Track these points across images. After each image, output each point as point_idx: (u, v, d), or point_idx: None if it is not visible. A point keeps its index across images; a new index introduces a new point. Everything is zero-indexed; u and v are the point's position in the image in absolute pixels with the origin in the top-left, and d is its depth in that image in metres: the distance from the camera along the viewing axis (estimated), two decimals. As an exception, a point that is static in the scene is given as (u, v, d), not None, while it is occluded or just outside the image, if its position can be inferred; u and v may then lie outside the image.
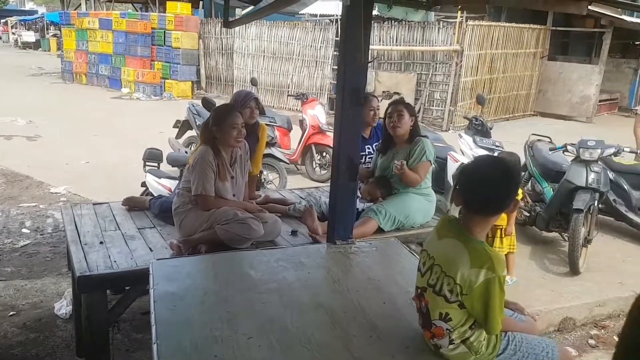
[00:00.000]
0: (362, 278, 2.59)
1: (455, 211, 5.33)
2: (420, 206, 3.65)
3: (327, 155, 7.63)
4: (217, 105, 5.88)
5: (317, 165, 7.71)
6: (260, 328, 2.09)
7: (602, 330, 4.14)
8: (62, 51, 17.96)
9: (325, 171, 7.64)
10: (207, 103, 5.79)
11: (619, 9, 11.64)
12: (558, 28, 13.66)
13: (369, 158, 4.25)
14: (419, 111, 11.34)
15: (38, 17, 34.19)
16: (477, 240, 1.83)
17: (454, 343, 1.87)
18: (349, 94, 2.72)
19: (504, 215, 4.03)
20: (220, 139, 3.29)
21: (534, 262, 4.95)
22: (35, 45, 31.83)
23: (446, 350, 1.89)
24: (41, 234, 5.28)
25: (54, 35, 30.33)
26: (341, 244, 2.96)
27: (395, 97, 10.57)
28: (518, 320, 2.09)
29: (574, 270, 4.63)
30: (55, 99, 13.69)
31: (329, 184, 5.99)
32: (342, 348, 1.99)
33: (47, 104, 12.59)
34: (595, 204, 4.77)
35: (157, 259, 2.69)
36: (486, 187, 1.84)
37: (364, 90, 2.79)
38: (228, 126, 3.27)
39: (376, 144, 4.16)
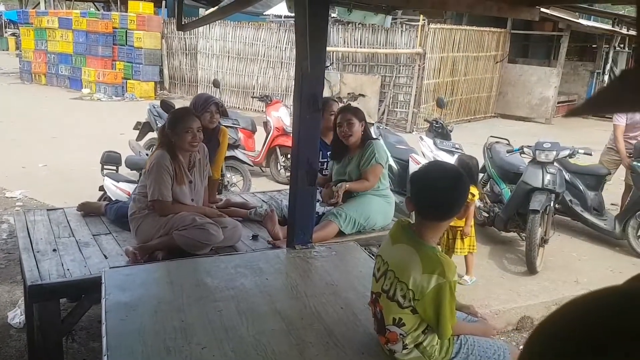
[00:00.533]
0: (320, 283, 2.59)
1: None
2: (380, 208, 3.68)
3: (291, 157, 7.63)
4: (175, 107, 5.84)
5: (282, 167, 7.68)
6: (215, 337, 2.07)
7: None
8: (21, 51, 17.42)
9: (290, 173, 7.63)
10: (165, 105, 5.71)
11: (576, 13, 11.96)
12: (518, 31, 13.96)
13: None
14: (383, 113, 11.44)
15: (-5, 15, 33.05)
16: (429, 246, 1.85)
17: (407, 348, 1.88)
18: (306, 99, 2.72)
19: (463, 217, 4.10)
20: (176, 143, 3.24)
21: (493, 261, 5.04)
22: (-8, 44, 30.76)
23: (400, 355, 1.90)
24: (-6, 241, 5.11)
25: (13, 34, 29.37)
26: (301, 248, 2.95)
27: (360, 99, 10.67)
28: (471, 322, 2.12)
29: (531, 270, 4.74)
30: (13, 99, 13.27)
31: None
32: (298, 356, 1.98)
33: (4, 105, 12.18)
34: (552, 204, 4.89)
35: (110, 267, 2.64)
36: (435, 193, 1.86)
37: (321, 96, 2.79)
38: (182, 130, 3.22)
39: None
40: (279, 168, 7.71)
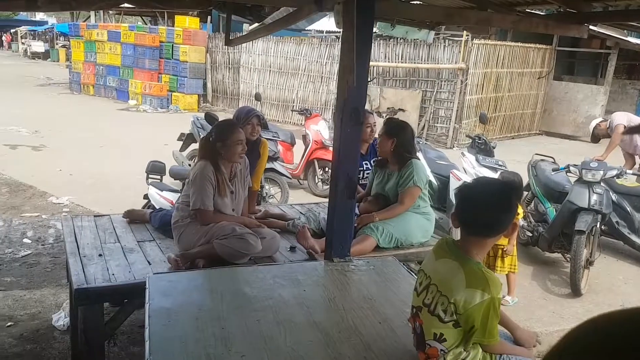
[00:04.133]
0: (358, 297, 2.58)
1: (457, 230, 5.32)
2: (419, 224, 3.64)
3: (330, 170, 7.64)
4: (219, 120, 5.95)
5: (320, 180, 7.72)
6: (254, 346, 2.08)
7: (603, 354, 4.09)
8: (71, 62, 18.13)
9: (328, 186, 7.64)
10: (209, 118, 5.83)
11: (625, 31, 11.65)
12: (564, 48, 13.69)
13: (366, 174, 4.27)
14: (423, 128, 11.36)
15: (48, 28, 34.52)
16: (474, 261, 1.83)
17: (448, 365, 1.85)
18: (349, 112, 2.73)
19: (510, 234, 4.02)
20: (224, 155, 3.31)
21: (536, 282, 4.91)
22: (45, 56, 32.12)
23: (440, 373, 1.87)
24: (42, 245, 5.30)
25: (63, 46, 30.61)
26: (338, 261, 2.95)
27: (400, 113, 10.64)
28: (511, 343, 2.07)
29: (575, 292, 4.59)
30: (62, 109, 13.79)
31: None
32: (335, 368, 1.98)
33: (53, 115, 12.69)
34: (598, 225, 4.75)
35: (154, 274, 2.69)
36: (483, 210, 1.84)
37: (364, 110, 2.80)
38: (233, 142, 3.30)
39: (374, 159, 4.17)
40: (316, 181, 7.74)
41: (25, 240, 5.35)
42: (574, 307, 4.50)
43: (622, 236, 5.34)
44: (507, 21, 3.28)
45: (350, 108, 2.71)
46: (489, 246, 1.92)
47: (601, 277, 5.03)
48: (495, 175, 5.21)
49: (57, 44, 32.35)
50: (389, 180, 3.66)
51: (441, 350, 1.86)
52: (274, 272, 2.77)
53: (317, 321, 2.30)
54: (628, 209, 5.33)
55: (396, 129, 3.73)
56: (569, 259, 5.14)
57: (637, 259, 5.50)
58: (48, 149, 9.38)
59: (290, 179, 7.34)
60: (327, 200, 6.17)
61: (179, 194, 4.97)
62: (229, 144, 3.29)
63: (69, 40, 24.84)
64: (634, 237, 5.28)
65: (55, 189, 7.00)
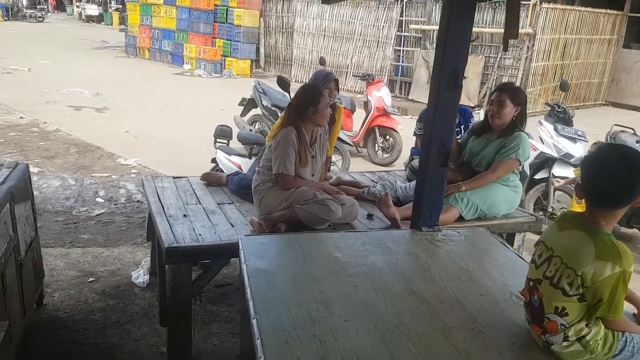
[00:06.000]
0: (453, 268, 2.50)
1: (530, 203, 5.14)
2: (506, 197, 3.50)
3: (391, 138, 7.52)
4: (290, 84, 5.90)
5: (380, 148, 7.61)
6: (356, 312, 2.05)
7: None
8: (126, 25, 18.37)
9: (388, 155, 7.54)
10: (282, 82, 5.77)
11: None
12: (637, 14, 12.89)
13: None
14: (484, 96, 11.00)
15: (101, -9, 35.04)
16: (605, 233, 1.73)
17: (568, 340, 1.77)
18: (447, 75, 2.61)
19: None
20: (315, 119, 3.28)
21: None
22: (98, 19, 32.67)
23: (558, 348, 1.79)
24: (115, 204, 5.44)
25: (117, 10, 31.04)
26: (427, 230, 2.88)
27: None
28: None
29: (659, 270, 4.39)
30: (120, 72, 14.04)
31: (397, 168, 5.93)
32: (443, 339, 1.92)
33: (112, 77, 12.93)
34: (686, 201, 4.48)
35: (245, 235, 2.69)
36: (614, 178, 1.72)
37: (463, 72, 2.67)
38: (323, 106, 3.27)
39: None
40: (376, 149, 7.64)
41: (98, 199, 5.51)
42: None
43: None
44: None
45: (448, 70, 2.59)
46: (618, 217, 1.81)
47: (685, 256, 4.79)
48: (575, 146, 4.99)
49: (110, 7, 32.82)
50: (487, 146, 3.50)
51: (561, 324, 1.77)
52: (362, 239, 2.72)
53: (415, 290, 2.25)
54: None
55: (520, 96, 3.45)
56: (648, 236, 4.92)
57: None
58: (111, 111, 9.58)
59: (352, 146, 7.27)
60: (394, 168, 6.11)
61: (247, 158, 5.01)
62: (320, 108, 3.26)
63: (122, 4, 25.11)
64: None
65: (121, 150, 7.16)
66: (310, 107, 3.24)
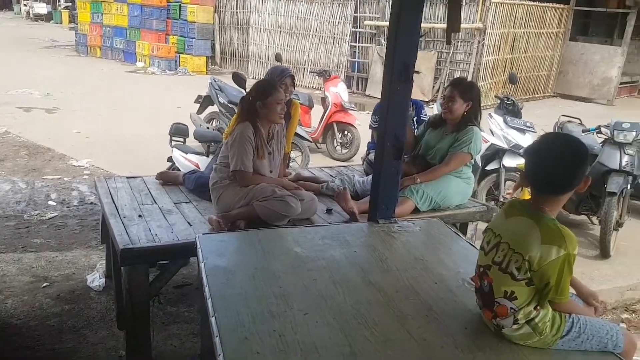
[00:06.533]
0: (409, 258, 2.56)
1: (482, 193, 5.29)
2: (459, 189, 3.60)
3: (349, 133, 7.58)
4: (246, 80, 5.86)
5: (338, 143, 7.65)
6: (315, 305, 2.08)
7: (634, 314, 4.12)
8: (76, 23, 17.82)
9: (347, 150, 7.59)
10: (237, 78, 5.73)
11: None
12: (581, 8, 13.38)
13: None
14: (437, 90, 11.21)
15: (49, -11, 33.85)
16: (549, 218, 1.82)
17: (518, 323, 1.84)
18: (398, 69, 2.66)
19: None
20: (265, 115, 3.25)
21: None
22: (47, 18, 31.52)
23: (509, 331, 1.87)
24: (67, 207, 5.30)
25: (66, 8, 30.05)
26: (384, 223, 2.93)
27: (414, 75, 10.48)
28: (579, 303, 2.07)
29: (604, 254, 4.60)
30: (71, 71, 13.63)
31: (355, 163, 5.99)
32: (400, 327, 1.98)
33: (63, 77, 12.54)
34: (628, 187, 4.71)
35: (204, 234, 2.68)
36: (557, 165, 1.80)
37: (414, 66, 2.73)
38: (274, 102, 3.25)
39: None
40: (335, 144, 7.68)
41: (50, 202, 5.36)
42: (603, 268, 4.52)
43: (650, 199, 5.31)
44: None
45: (400, 64, 2.64)
46: (562, 203, 1.89)
47: (629, 240, 5.03)
48: (524, 137, 5.16)
49: (59, 5, 31.75)
50: (442, 140, 3.58)
51: (511, 308, 1.85)
52: (322, 233, 2.76)
53: (373, 281, 2.30)
54: (657, 171, 5.27)
55: (471, 91, 3.55)
56: (595, 221, 5.13)
57: (664, 221, 5.50)
58: (62, 111, 9.30)
59: (311, 142, 7.29)
60: (352, 163, 6.17)
61: (204, 157, 4.96)
62: (270, 103, 3.24)
63: (72, 2, 24.33)
64: (661, 200, 5.25)
65: (73, 152, 6.97)
66: (258, 101, 3.24)
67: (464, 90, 3.51)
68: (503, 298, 1.85)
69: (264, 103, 3.23)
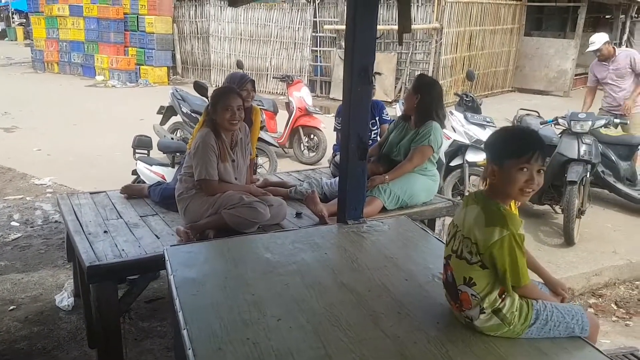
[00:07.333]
0: (379, 257, 2.59)
1: (448, 189, 5.38)
2: (424, 186, 3.66)
3: (315, 137, 7.61)
4: (208, 88, 5.82)
5: (305, 147, 7.67)
6: (288, 310, 2.08)
7: (600, 299, 4.25)
8: (32, 40, 17.40)
9: (314, 153, 7.61)
10: (199, 87, 5.69)
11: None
12: (534, 3, 13.74)
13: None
14: (400, 91, 11.34)
15: (2, 5, 32.91)
16: (494, 202, 1.88)
17: (484, 312, 1.88)
18: (357, 71, 2.69)
19: None
20: (217, 121, 3.24)
21: (529, 234, 5.01)
22: (1, 35, 30.68)
23: (479, 322, 1.90)
24: (31, 227, 5.16)
25: (21, 24, 29.27)
26: (353, 223, 2.95)
27: (376, 77, 10.57)
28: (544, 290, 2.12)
29: (568, 242, 4.72)
30: (29, 89, 13.29)
31: (323, 166, 6.01)
32: (373, 326, 1.99)
33: (20, 95, 12.21)
34: (588, 175, 4.86)
35: (171, 246, 2.65)
36: None
37: (372, 68, 2.76)
38: (221, 108, 3.23)
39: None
40: (302, 149, 7.69)
41: (12, 223, 5.21)
42: (568, 256, 4.63)
43: (608, 185, 5.48)
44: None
45: (358, 67, 2.67)
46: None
47: (591, 226, 5.18)
48: (485, 132, 5.27)
49: (13, 22, 30.92)
50: (405, 136, 3.65)
51: (472, 295, 1.88)
52: (292, 237, 2.76)
53: (344, 282, 2.31)
54: (613, 158, 5.46)
55: (423, 86, 3.66)
56: (558, 210, 5.27)
57: (624, 206, 5.68)
58: (21, 129, 9.07)
59: (277, 147, 7.29)
60: (320, 166, 6.19)
61: (169, 168, 4.90)
62: (218, 110, 3.22)
63: (26, 18, 23.71)
64: (619, 186, 5.43)
65: (35, 170, 6.80)
66: (210, 107, 3.24)
67: (414, 84, 3.70)
68: (463, 285, 1.91)
69: (215, 110, 3.23)
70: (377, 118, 4.49)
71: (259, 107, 4.65)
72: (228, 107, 3.24)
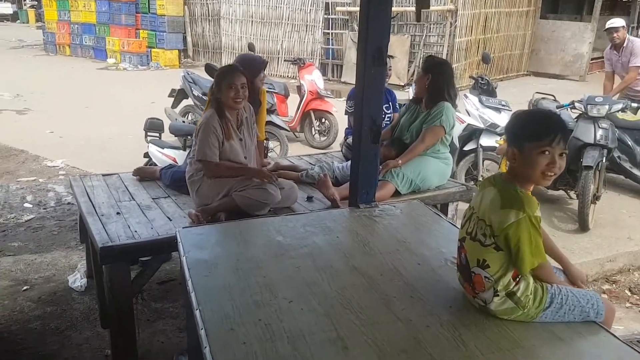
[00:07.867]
0: (391, 241, 2.57)
1: (461, 174, 5.33)
2: (437, 169, 3.62)
3: (327, 121, 7.55)
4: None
5: (317, 131, 7.62)
6: (299, 292, 2.07)
7: (614, 285, 4.21)
8: (43, 22, 17.42)
9: (325, 137, 7.57)
10: (210, 69, 5.66)
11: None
12: (550, -14, 13.49)
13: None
14: (412, 74, 11.22)
15: (13, -12, 32.96)
16: (512, 185, 1.86)
17: (498, 295, 1.86)
18: (372, 52, 2.65)
19: None
20: (221, 100, 3.22)
21: (543, 220, 4.95)
22: (13, 18, 30.72)
23: (493, 306, 1.88)
24: (44, 208, 5.20)
25: (32, 7, 29.33)
26: (365, 207, 2.93)
27: (389, 60, 10.47)
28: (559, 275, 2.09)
29: (583, 227, 4.67)
30: (41, 71, 13.33)
31: (334, 150, 5.97)
32: (385, 309, 1.98)
33: (32, 77, 12.26)
34: (604, 160, 4.78)
35: (183, 227, 2.65)
36: None
37: (387, 49, 2.71)
38: (225, 86, 3.19)
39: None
40: (313, 132, 7.65)
41: (26, 204, 5.25)
42: (583, 241, 4.59)
43: (624, 170, 5.40)
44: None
45: (373, 48, 2.63)
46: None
47: (606, 212, 5.12)
48: (500, 116, 5.20)
49: (25, 4, 30.96)
50: (416, 119, 3.61)
51: (485, 277, 1.87)
52: (303, 220, 2.75)
53: (356, 266, 2.29)
54: (629, 143, 5.37)
55: (434, 66, 3.62)
56: (572, 196, 5.21)
57: (639, 192, 5.59)
58: (33, 112, 9.10)
59: (289, 131, 7.25)
60: (331, 150, 6.15)
61: (181, 150, 4.90)
62: (222, 88, 3.19)
63: (38, 0, 23.74)
64: (636, 171, 5.34)
65: (47, 152, 6.83)
66: (215, 86, 3.21)
67: (423, 65, 3.65)
68: (477, 267, 1.89)
69: (219, 88, 3.20)
70: (390, 102, 4.43)
71: (264, 89, 4.60)
72: (232, 85, 3.20)
